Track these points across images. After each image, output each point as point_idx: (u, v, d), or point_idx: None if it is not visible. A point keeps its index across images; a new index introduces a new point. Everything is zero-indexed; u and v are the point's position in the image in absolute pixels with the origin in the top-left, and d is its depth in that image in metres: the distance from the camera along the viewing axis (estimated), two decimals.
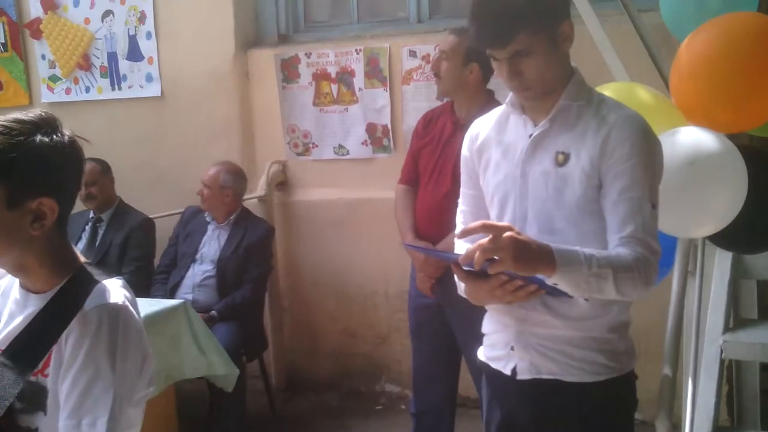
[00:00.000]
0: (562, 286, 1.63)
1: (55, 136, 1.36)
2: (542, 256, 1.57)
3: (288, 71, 4.57)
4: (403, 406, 4.31)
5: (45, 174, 1.35)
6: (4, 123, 1.33)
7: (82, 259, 1.48)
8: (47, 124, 1.37)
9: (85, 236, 4.33)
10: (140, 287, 4.04)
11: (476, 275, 1.69)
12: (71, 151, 1.40)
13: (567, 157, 1.75)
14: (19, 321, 1.43)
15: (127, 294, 1.43)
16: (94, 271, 1.45)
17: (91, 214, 4.37)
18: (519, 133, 1.85)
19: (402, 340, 4.20)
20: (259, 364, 4.33)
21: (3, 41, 5.33)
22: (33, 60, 5.27)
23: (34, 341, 1.36)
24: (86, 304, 1.36)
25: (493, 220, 1.82)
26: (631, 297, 1.70)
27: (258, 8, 4.76)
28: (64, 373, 1.34)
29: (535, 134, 1.80)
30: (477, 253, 1.52)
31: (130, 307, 1.40)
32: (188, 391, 3.97)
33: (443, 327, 3.22)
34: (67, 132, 1.41)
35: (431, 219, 3.19)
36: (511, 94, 1.85)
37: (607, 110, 1.77)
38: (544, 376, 1.80)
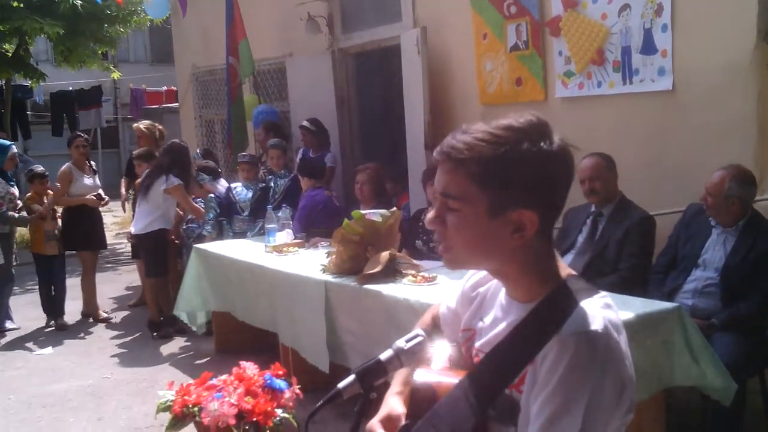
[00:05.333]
0: None
1: (543, 144, 1.32)
2: None
3: None
4: None
5: (527, 185, 1.32)
6: (493, 131, 1.33)
7: (566, 272, 1.43)
8: (536, 131, 1.33)
9: (585, 229, 4.45)
10: (636, 285, 4.06)
11: None
12: (557, 160, 1.34)
13: None
14: (502, 327, 1.45)
15: (610, 316, 1.33)
16: (578, 285, 1.39)
17: (593, 208, 4.46)
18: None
19: None
20: (760, 380, 4.01)
21: (525, 39, 5.71)
22: (550, 56, 5.55)
23: (510, 358, 1.35)
24: (564, 327, 1.29)
25: None
26: None
27: None
28: (536, 395, 1.30)
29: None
30: None
31: (613, 333, 1.30)
32: (682, 400, 3.84)
33: None
34: (556, 139, 1.34)
35: None
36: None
37: None
38: None
